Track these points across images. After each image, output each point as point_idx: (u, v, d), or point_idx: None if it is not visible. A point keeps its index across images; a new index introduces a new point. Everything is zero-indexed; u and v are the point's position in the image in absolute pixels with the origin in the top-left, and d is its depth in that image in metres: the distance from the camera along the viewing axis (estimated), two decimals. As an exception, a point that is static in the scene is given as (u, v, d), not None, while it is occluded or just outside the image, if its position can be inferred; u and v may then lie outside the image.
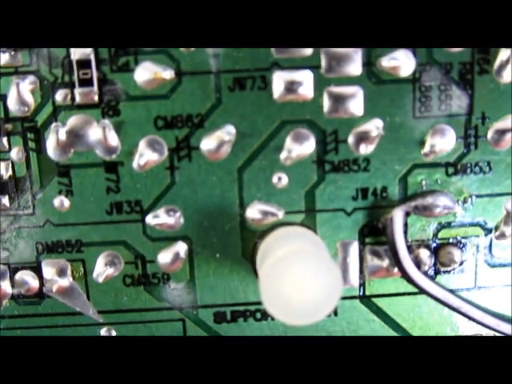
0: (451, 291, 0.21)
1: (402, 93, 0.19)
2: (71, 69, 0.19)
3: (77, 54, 0.19)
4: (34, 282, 0.20)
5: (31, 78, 0.19)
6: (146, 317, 0.21)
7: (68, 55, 0.19)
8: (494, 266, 0.22)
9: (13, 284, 0.20)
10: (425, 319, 0.22)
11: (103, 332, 0.21)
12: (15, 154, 0.19)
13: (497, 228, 0.21)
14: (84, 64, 0.19)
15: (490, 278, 0.22)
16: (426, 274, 0.21)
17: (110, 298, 0.20)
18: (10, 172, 0.19)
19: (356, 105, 0.19)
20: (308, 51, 0.19)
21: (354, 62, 0.19)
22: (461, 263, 0.21)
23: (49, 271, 0.20)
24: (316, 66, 0.19)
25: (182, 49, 0.19)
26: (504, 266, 0.22)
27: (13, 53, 0.19)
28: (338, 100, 0.19)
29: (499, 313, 0.23)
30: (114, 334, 0.22)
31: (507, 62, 0.20)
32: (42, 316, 0.21)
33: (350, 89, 0.19)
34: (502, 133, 0.20)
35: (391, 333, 0.22)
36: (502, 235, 0.21)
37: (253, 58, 0.19)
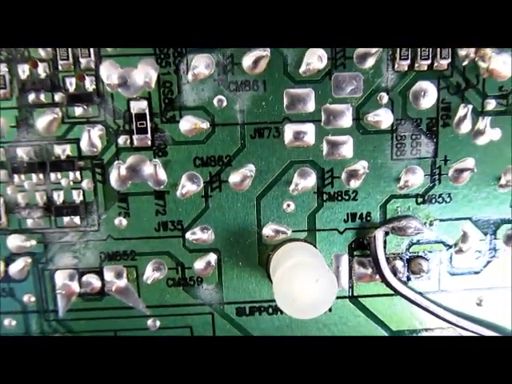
0: (420, 293, 0.24)
1: (383, 141, 0.23)
2: (130, 120, 0.22)
3: (135, 108, 0.22)
4: (97, 283, 0.24)
5: (99, 126, 0.23)
6: (183, 311, 0.24)
7: (128, 109, 0.22)
8: (453, 275, 0.25)
9: (80, 284, 0.24)
10: (399, 315, 0.25)
11: (150, 322, 0.24)
12: (85, 184, 0.23)
13: (456, 245, 0.24)
14: (140, 116, 0.23)
15: (451, 283, 0.25)
16: (400, 279, 0.24)
17: (156, 296, 0.24)
18: (81, 198, 0.23)
19: (347, 149, 0.23)
20: (311, 108, 0.23)
21: (346, 117, 0.23)
22: (427, 272, 0.25)
23: (109, 275, 0.24)
24: (317, 120, 0.23)
25: (215, 105, 0.22)
26: (462, 274, 0.25)
27: (85, 107, 0.22)
28: (334, 146, 0.23)
29: (458, 311, 0.26)
30: (158, 324, 0.24)
31: (464, 117, 0.23)
32: (103, 310, 0.24)
33: (342, 137, 0.23)
34: (460, 171, 0.24)
35: (373, 325, 0.25)
36: (460, 250, 0.24)
37: (269, 114, 0.23)
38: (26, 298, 0.24)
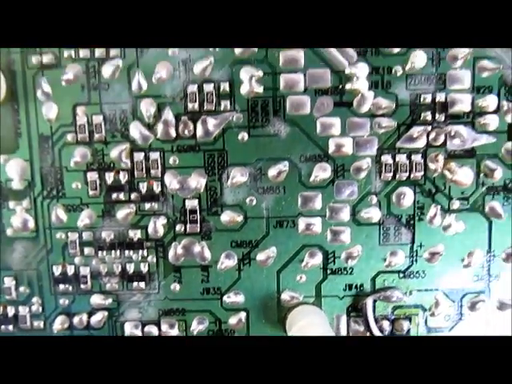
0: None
1: (373, 231, 0.28)
2: (185, 213, 0.28)
3: (189, 205, 0.28)
4: (155, 332, 0.29)
5: (162, 217, 0.28)
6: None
7: (184, 205, 0.28)
8: (429, 332, 0.30)
9: (143, 333, 0.29)
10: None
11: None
12: (150, 259, 0.29)
13: (430, 309, 0.29)
14: (193, 211, 0.28)
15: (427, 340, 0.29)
16: (385, 336, 0.29)
17: (200, 343, 0.31)
18: (147, 269, 0.29)
19: (346, 237, 0.28)
20: (318, 206, 0.28)
21: (345, 213, 0.28)
22: (408, 330, 0.29)
23: (165, 326, 0.29)
24: (323, 215, 0.28)
25: (247, 203, 0.28)
26: (435, 332, 0.29)
27: (153, 203, 0.28)
28: (336, 234, 0.29)
29: None
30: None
31: (435, 214, 0.28)
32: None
33: (342, 228, 0.28)
34: (432, 254, 0.29)
35: None
36: (433, 314, 0.29)
37: (288, 210, 0.28)
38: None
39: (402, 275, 0.29)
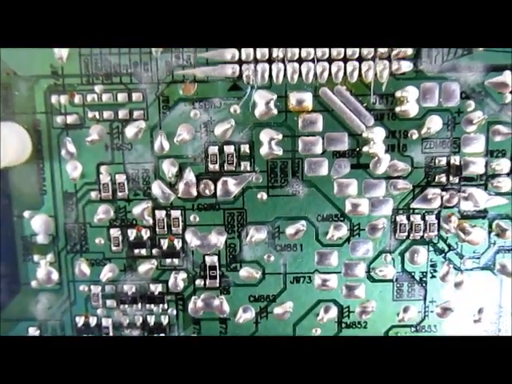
0: None
1: (387, 287, 0.29)
2: (205, 268, 0.29)
3: (209, 261, 0.29)
4: None
5: (183, 272, 0.29)
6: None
7: (204, 261, 0.29)
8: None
9: None
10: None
11: None
12: (170, 311, 0.30)
13: None
14: (212, 267, 0.29)
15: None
16: None
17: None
18: (167, 321, 0.29)
19: (360, 292, 0.29)
20: (334, 263, 0.28)
21: (360, 270, 0.29)
22: None
23: None
24: (339, 272, 0.29)
25: (265, 260, 0.28)
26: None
27: (174, 259, 0.29)
28: (351, 289, 0.29)
29: None
30: None
31: (447, 272, 0.29)
32: None
33: (356, 284, 0.29)
34: (444, 310, 0.29)
35: None
36: None
37: (304, 266, 0.29)
38: None
39: (413, 329, 0.30)
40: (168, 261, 0.29)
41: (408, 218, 0.28)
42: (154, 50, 0.27)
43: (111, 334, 0.30)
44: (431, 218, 0.28)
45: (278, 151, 0.28)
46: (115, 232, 0.29)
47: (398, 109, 0.27)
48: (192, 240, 0.29)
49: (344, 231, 0.28)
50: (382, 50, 0.27)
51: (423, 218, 0.28)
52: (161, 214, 0.29)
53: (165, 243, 0.29)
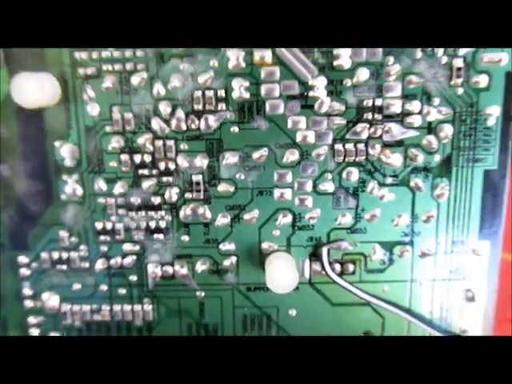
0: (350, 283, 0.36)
1: (328, 199, 0.35)
2: (192, 184, 0.35)
3: (194, 179, 0.36)
4: (170, 271, 0.37)
5: (175, 187, 0.35)
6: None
7: (191, 179, 0.37)
8: (368, 272, 0.36)
9: (162, 271, 0.38)
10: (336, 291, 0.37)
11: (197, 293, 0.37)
12: (167, 218, 0.35)
13: (369, 256, 0.36)
14: (197, 183, 0.36)
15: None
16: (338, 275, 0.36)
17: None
18: (165, 225, 0.36)
19: (309, 203, 0.35)
20: (289, 180, 0.37)
21: (307, 185, 0.35)
22: (353, 271, 0.36)
23: (177, 266, 0.36)
24: (292, 187, 0.35)
25: (237, 177, 0.36)
26: (373, 272, 0.37)
27: (168, 178, 0.36)
28: (302, 201, 0.36)
29: (372, 293, 0.36)
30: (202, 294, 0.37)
31: (373, 188, 0.36)
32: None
33: (305, 196, 0.35)
34: (372, 216, 0.35)
35: (321, 300, 0.37)
36: (371, 260, 0.39)
37: (266, 182, 0.35)
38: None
39: (349, 231, 0.36)
40: (164, 179, 0.35)
41: (343, 146, 0.34)
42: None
43: (122, 235, 0.36)
44: (361, 146, 0.34)
45: (246, 95, 0.34)
46: (125, 157, 0.35)
47: (335, 63, 0.33)
48: (182, 163, 0.35)
49: (296, 156, 0.35)
50: (324, 20, 0.34)
51: (355, 146, 0.34)
52: (158, 143, 0.35)
53: (162, 165, 0.35)
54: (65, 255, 0.37)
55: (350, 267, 0.37)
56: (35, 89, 0.32)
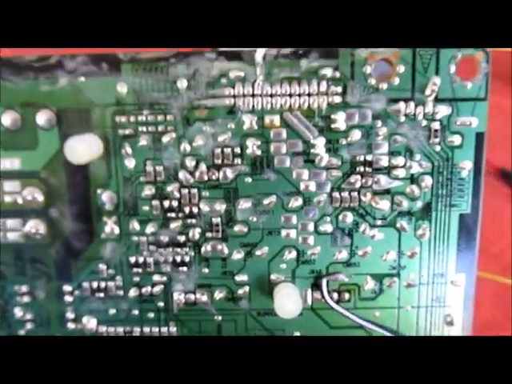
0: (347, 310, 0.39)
1: (327, 238, 0.39)
2: (212, 226, 0.40)
3: (214, 221, 0.40)
4: (192, 298, 0.42)
5: (198, 228, 0.40)
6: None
7: (211, 221, 0.43)
8: (361, 300, 0.39)
9: (185, 299, 0.43)
10: (335, 317, 0.40)
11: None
12: (190, 253, 0.40)
13: (362, 286, 0.39)
14: (216, 225, 0.41)
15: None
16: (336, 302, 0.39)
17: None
18: (188, 259, 0.42)
19: (311, 241, 0.41)
20: (294, 222, 0.42)
21: (309, 226, 0.39)
22: (349, 299, 0.39)
23: (198, 295, 0.40)
24: (297, 228, 0.39)
25: (250, 220, 0.38)
26: (365, 300, 0.41)
27: (192, 220, 0.41)
28: (305, 240, 0.40)
29: (369, 319, 0.39)
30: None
31: (365, 229, 0.42)
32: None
33: (308, 236, 0.40)
34: (364, 253, 0.42)
35: (321, 323, 0.39)
36: (364, 289, 0.42)
37: (275, 224, 0.39)
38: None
39: (345, 265, 0.39)
40: (189, 221, 0.39)
41: (340, 194, 0.38)
42: (179, 86, 0.38)
43: (152, 268, 0.39)
44: (354, 194, 0.38)
45: (258, 152, 0.38)
46: (155, 202, 0.39)
47: (332, 125, 0.37)
48: (204, 207, 0.38)
49: (300, 202, 0.38)
50: (322, 89, 0.40)
51: (349, 194, 0.38)
52: (184, 191, 0.39)
53: (187, 209, 0.39)
54: (103, 284, 0.41)
55: (346, 296, 0.40)
56: (85, 149, 0.36)
